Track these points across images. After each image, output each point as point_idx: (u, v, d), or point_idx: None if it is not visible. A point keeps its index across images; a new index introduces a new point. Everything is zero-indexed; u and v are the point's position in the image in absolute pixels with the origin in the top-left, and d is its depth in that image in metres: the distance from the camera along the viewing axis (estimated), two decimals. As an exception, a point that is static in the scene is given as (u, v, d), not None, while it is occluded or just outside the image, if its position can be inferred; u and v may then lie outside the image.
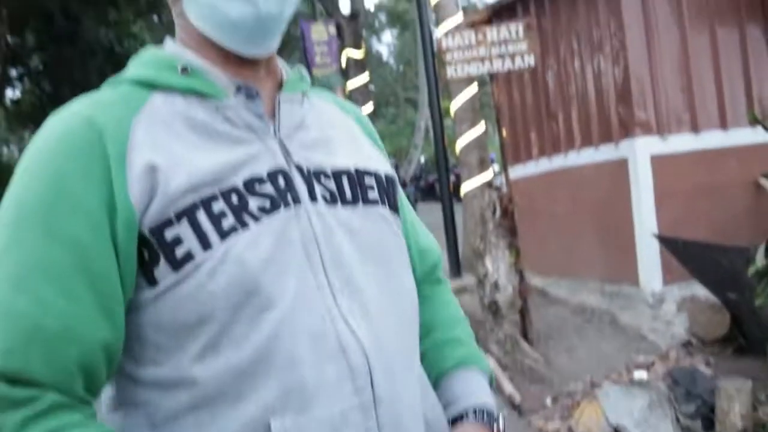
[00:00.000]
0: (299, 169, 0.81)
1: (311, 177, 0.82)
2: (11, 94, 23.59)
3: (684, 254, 4.73)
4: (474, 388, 0.93)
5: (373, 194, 0.87)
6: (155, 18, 19.48)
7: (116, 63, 22.40)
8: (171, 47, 0.85)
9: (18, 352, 0.65)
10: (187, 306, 0.71)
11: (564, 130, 6.35)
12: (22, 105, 24.39)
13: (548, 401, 3.83)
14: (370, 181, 0.88)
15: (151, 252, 0.72)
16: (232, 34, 0.79)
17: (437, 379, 0.94)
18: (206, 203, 0.73)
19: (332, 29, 11.69)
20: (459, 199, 8.00)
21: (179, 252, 0.71)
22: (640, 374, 3.57)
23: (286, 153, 0.81)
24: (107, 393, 0.78)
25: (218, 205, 0.73)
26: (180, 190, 0.72)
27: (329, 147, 0.87)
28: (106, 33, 21.48)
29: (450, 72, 5.03)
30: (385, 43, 37.72)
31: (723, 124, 5.59)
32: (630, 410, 3.20)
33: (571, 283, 6.27)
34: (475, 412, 0.89)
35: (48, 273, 0.67)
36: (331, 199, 0.82)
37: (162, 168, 0.73)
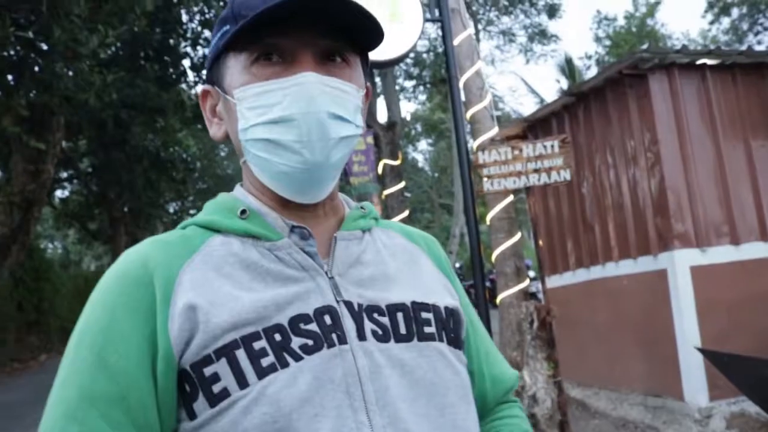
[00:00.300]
0: (349, 306, 0.83)
1: (362, 314, 0.84)
2: (60, 194, 24.60)
3: (729, 368, 4.61)
4: None
5: (430, 329, 0.87)
6: (199, 126, 20.39)
7: (161, 167, 23.32)
8: (238, 192, 0.94)
9: None
10: None
11: (601, 242, 6.38)
12: (70, 204, 25.33)
13: None
14: (427, 315, 0.88)
15: (192, 387, 0.76)
16: (285, 183, 0.86)
17: None
18: (247, 341, 0.77)
19: (369, 139, 12.08)
20: (495, 305, 7.96)
21: (216, 389, 0.75)
22: (690, 497, 3.43)
23: (336, 291, 0.84)
24: None
25: (259, 344, 0.77)
26: (221, 328, 0.77)
27: (386, 282, 0.89)
28: (152, 139, 22.49)
29: (486, 186, 5.16)
30: (421, 150, 38.66)
31: (763, 236, 5.57)
32: None
33: (611, 394, 6.11)
34: None
35: (94, 403, 0.74)
36: (383, 336, 0.83)
37: (203, 307, 0.78)
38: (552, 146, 5.07)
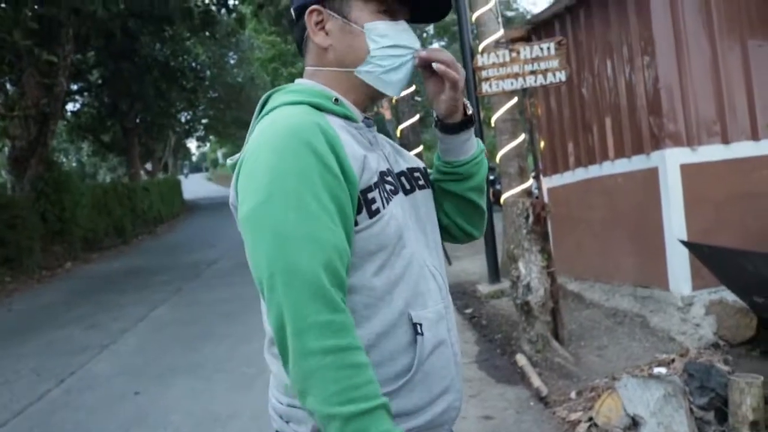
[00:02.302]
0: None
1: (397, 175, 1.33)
2: (71, 107, 24.72)
3: (710, 259, 4.92)
4: None
5: (422, 182, 1.38)
6: (207, 34, 20.22)
7: (171, 77, 23.17)
8: (315, 84, 1.30)
9: (335, 264, 1.08)
10: (373, 240, 1.17)
11: (599, 141, 6.58)
12: (82, 117, 25.50)
13: (573, 394, 4.09)
14: (417, 174, 1.38)
15: (358, 205, 1.16)
16: (394, 88, 1.30)
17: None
18: (380, 181, 1.21)
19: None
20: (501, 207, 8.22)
21: (374, 207, 1.17)
22: (660, 370, 3.80)
23: (387, 160, 1.31)
24: None
25: (382, 184, 1.21)
26: (374, 169, 1.20)
27: (393, 159, 1.35)
28: (161, 49, 22.37)
29: (485, 88, 5.34)
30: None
31: (754, 136, 5.71)
32: (646, 401, 3.44)
33: (605, 287, 6.49)
34: None
35: (331, 216, 1.10)
36: (405, 190, 1.32)
37: (366, 154, 1.20)
38: (548, 48, 5.21)
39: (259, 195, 1.08)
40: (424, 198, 1.36)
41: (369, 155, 1.21)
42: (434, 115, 1.38)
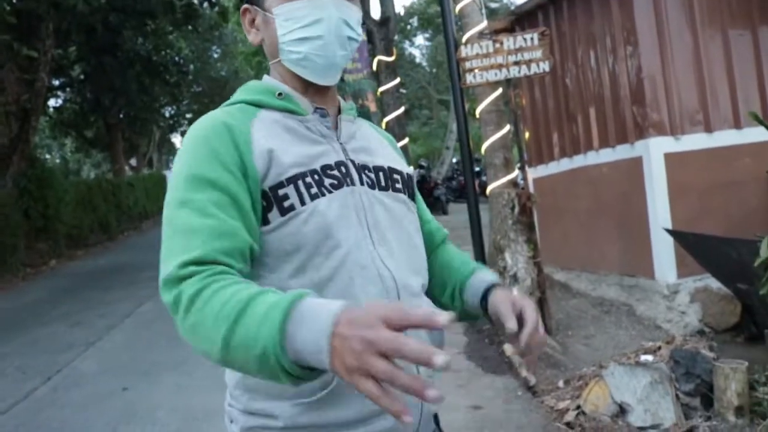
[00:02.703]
0: (353, 163, 1.23)
1: (360, 169, 1.24)
2: (53, 102, 24.41)
3: (695, 247, 4.96)
4: (490, 277, 1.35)
5: (399, 185, 1.30)
6: (190, 28, 20.02)
7: (154, 71, 22.94)
8: (268, 80, 1.29)
9: (206, 247, 1.04)
10: (287, 240, 1.11)
11: (583, 131, 6.60)
12: (64, 112, 25.21)
13: (561, 383, 4.11)
14: (397, 177, 1.31)
15: (268, 202, 1.12)
16: (317, 73, 1.23)
17: (465, 281, 1.36)
18: (301, 177, 1.14)
19: (363, 35, 12.01)
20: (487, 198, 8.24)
21: (286, 204, 1.11)
22: (646, 357, 3.83)
23: (345, 152, 1.24)
24: None
25: (308, 179, 1.14)
26: (288, 164, 1.13)
27: (370, 152, 1.30)
28: (143, 43, 22.16)
29: (469, 79, 5.34)
30: (418, 45, 37.94)
31: (737, 124, 5.76)
32: (633, 388, 3.47)
33: (591, 276, 6.52)
34: (494, 284, 1.30)
35: (218, 206, 1.07)
36: (372, 185, 1.24)
37: (276, 150, 1.14)
38: (531, 39, 5.21)
39: (167, 198, 1.14)
40: (397, 200, 1.28)
41: (287, 150, 1.15)
42: (480, 293, 1.30)
